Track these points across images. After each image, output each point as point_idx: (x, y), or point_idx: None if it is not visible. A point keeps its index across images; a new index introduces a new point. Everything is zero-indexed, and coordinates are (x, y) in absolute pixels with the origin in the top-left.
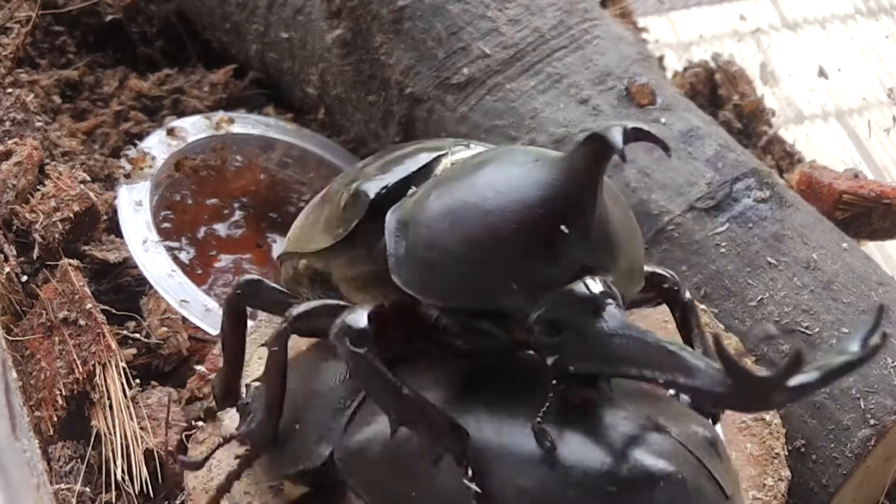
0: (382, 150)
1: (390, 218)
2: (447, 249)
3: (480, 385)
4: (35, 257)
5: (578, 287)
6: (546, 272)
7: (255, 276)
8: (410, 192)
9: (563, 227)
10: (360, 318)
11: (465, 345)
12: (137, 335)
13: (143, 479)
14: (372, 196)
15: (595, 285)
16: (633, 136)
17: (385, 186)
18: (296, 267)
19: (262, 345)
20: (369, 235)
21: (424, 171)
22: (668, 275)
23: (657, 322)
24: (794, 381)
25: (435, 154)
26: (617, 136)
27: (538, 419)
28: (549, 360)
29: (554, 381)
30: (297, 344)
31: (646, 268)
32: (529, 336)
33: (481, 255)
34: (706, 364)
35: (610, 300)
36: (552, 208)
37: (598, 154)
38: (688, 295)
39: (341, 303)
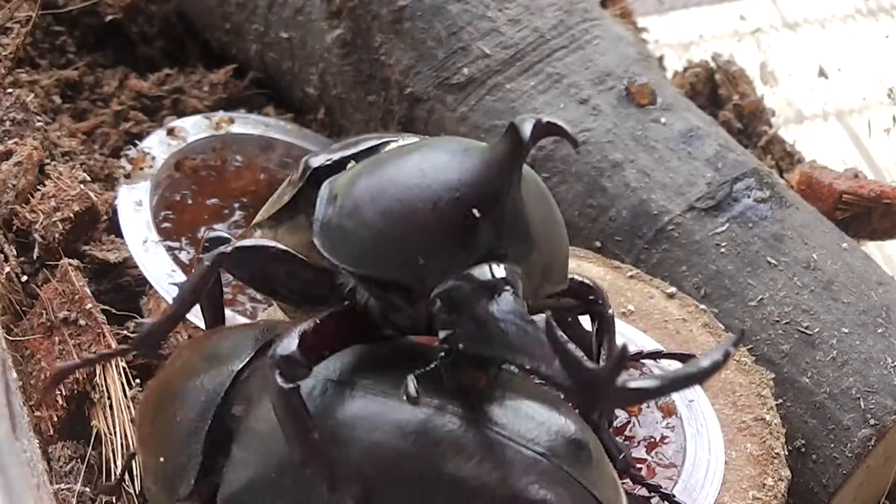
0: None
1: (325, 187)
2: (365, 218)
3: (381, 361)
4: (35, 257)
5: (481, 269)
6: (453, 252)
7: (222, 234)
8: (350, 165)
9: (475, 212)
10: (290, 343)
11: (383, 324)
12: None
13: None
14: (314, 166)
15: (497, 271)
16: (544, 130)
17: (329, 160)
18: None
19: (200, 256)
20: (310, 204)
21: (369, 152)
22: (593, 285)
23: (657, 321)
24: (633, 384)
25: (385, 139)
26: (527, 128)
27: (415, 373)
28: (441, 335)
29: (442, 354)
30: None
31: (577, 277)
32: (430, 311)
33: (395, 227)
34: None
35: (508, 287)
36: (467, 192)
37: (514, 145)
38: (610, 311)
39: (278, 245)
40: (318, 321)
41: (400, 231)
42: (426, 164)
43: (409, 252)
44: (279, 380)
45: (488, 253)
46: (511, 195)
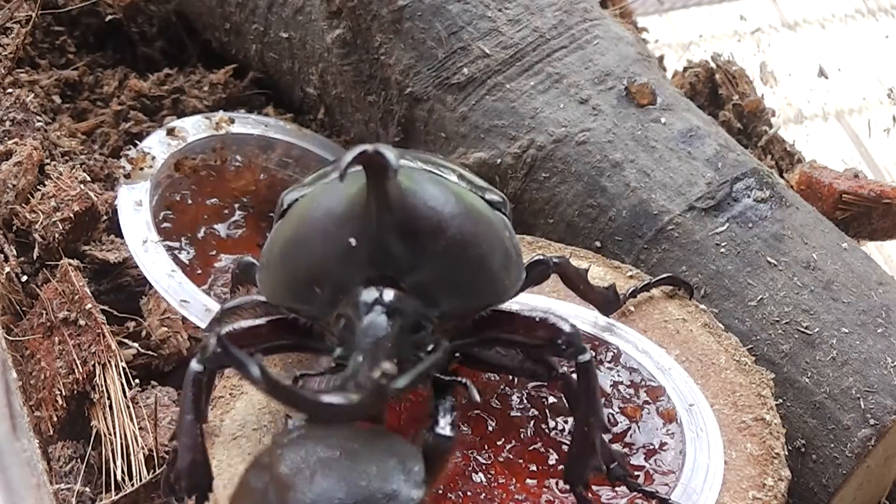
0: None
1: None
2: (274, 252)
3: None
4: (35, 257)
5: (366, 293)
6: (340, 279)
7: (251, 259)
8: None
9: (352, 241)
10: (216, 342)
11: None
12: (137, 335)
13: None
14: (285, 206)
15: (369, 294)
16: (359, 159)
17: (301, 195)
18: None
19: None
20: None
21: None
22: (563, 329)
23: (657, 322)
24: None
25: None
26: (347, 158)
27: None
28: (336, 352)
29: (333, 365)
30: None
31: (549, 318)
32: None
33: (293, 259)
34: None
35: (382, 308)
36: (347, 224)
37: (367, 175)
38: (585, 356)
39: (246, 325)
40: (248, 324)
41: (297, 263)
42: (329, 195)
43: (306, 283)
44: (195, 363)
45: (375, 278)
46: (382, 222)
